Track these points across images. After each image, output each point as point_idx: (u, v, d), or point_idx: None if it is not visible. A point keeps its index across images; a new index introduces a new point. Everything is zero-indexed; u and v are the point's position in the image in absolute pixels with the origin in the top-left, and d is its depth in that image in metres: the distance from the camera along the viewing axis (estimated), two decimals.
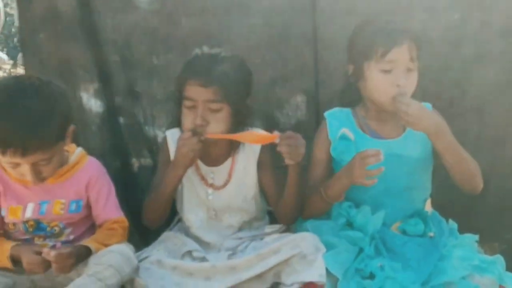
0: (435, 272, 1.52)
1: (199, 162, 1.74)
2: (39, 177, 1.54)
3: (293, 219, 1.74)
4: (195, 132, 1.60)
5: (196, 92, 1.60)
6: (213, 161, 1.76)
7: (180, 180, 1.69)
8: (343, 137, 1.70)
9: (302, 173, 1.65)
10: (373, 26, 1.66)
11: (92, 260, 1.51)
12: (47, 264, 1.50)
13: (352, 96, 1.76)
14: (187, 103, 1.62)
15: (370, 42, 1.62)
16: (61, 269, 1.49)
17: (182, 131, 1.68)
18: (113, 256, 1.49)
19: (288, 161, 1.56)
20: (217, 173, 1.76)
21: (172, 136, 1.77)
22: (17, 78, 1.60)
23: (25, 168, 1.50)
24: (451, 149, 1.60)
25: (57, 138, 1.52)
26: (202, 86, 1.59)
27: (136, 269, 1.55)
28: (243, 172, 1.76)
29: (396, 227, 1.69)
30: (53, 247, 1.61)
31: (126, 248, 1.56)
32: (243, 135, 1.63)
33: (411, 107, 1.54)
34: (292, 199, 1.66)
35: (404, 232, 1.67)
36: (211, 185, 1.75)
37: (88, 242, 1.58)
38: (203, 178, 1.75)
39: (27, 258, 1.51)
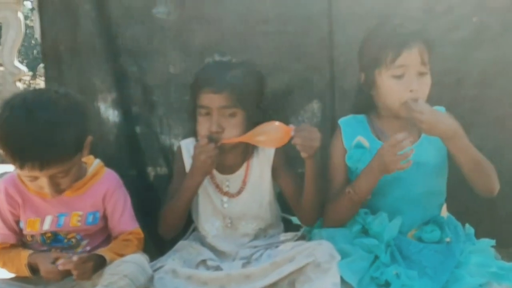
0: (452, 280, 1.49)
1: (214, 171, 1.75)
2: (57, 190, 1.55)
3: (314, 219, 1.74)
4: (211, 139, 1.62)
5: (209, 99, 1.62)
6: (228, 169, 1.77)
7: (197, 188, 1.71)
8: (359, 145, 1.69)
9: (318, 170, 1.65)
10: (382, 32, 1.65)
11: (107, 270, 1.52)
12: (64, 273, 1.51)
13: (366, 103, 1.74)
14: (201, 111, 1.65)
15: (380, 48, 1.61)
16: (82, 275, 1.50)
17: (197, 140, 1.70)
18: (128, 266, 1.50)
19: (303, 154, 1.57)
20: (232, 181, 1.77)
21: (186, 146, 1.79)
22: (35, 91, 1.65)
23: (43, 181, 1.52)
24: (466, 152, 1.58)
25: (75, 150, 1.53)
26: (215, 93, 1.61)
27: (151, 279, 1.56)
28: (257, 178, 1.77)
29: (412, 235, 1.67)
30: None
31: (141, 258, 1.57)
32: (259, 131, 1.63)
33: (424, 114, 1.53)
34: (311, 197, 1.67)
35: (420, 239, 1.65)
36: (226, 193, 1.77)
37: (103, 251, 1.60)
38: (218, 187, 1.77)
39: (45, 267, 1.53)
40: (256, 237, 1.79)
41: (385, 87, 1.63)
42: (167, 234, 1.77)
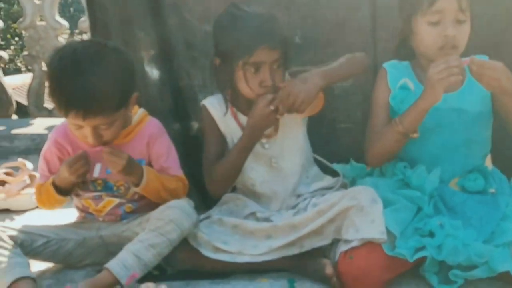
0: (498, 231, 1.49)
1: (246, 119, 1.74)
2: (100, 141, 1.59)
3: None
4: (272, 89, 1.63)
5: (265, 55, 1.61)
6: None
7: (256, 142, 1.71)
8: (404, 87, 1.68)
9: None
10: None
11: (154, 215, 1.57)
12: (87, 160, 1.60)
13: (407, 52, 1.74)
14: (250, 68, 1.63)
15: None
16: (113, 163, 1.57)
17: (225, 97, 1.75)
18: (173, 211, 1.55)
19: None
20: None
21: (212, 105, 1.79)
22: (85, 43, 1.64)
23: (87, 131, 1.56)
24: None
25: (118, 104, 1.56)
26: (271, 49, 1.60)
27: (196, 224, 1.60)
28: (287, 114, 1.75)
29: (454, 183, 1.66)
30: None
31: (186, 204, 1.61)
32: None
33: (497, 70, 1.49)
34: None
35: (463, 188, 1.64)
36: (264, 135, 1.75)
37: (146, 168, 1.65)
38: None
39: (66, 163, 1.59)
40: (300, 177, 1.79)
41: (421, 33, 1.62)
42: (220, 192, 1.78)
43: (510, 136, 1.66)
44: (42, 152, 1.73)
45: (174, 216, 1.53)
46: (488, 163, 1.73)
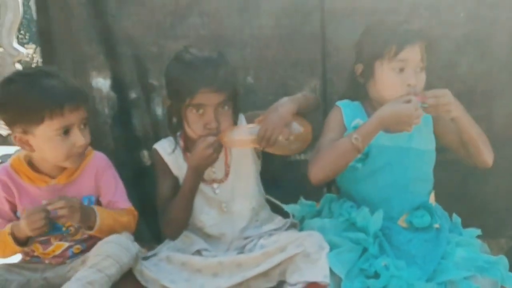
0: (438, 270, 1.54)
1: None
2: (86, 140, 1.62)
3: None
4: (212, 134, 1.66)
5: (208, 98, 1.64)
6: None
7: (199, 184, 1.74)
8: (355, 127, 1.70)
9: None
10: (386, 26, 1.71)
11: (92, 252, 1.55)
12: (49, 223, 1.56)
13: (358, 93, 1.79)
14: (194, 109, 1.66)
15: (383, 40, 1.66)
16: (70, 215, 1.54)
17: (175, 138, 1.79)
18: (110, 246, 1.53)
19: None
20: (217, 167, 1.79)
21: (162, 148, 1.81)
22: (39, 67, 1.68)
23: (76, 133, 1.58)
24: (473, 125, 1.69)
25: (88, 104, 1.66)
26: (214, 91, 1.63)
27: (137, 258, 1.58)
28: (238, 157, 1.80)
29: (403, 220, 1.70)
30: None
31: (123, 238, 1.58)
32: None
33: (453, 104, 1.62)
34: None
35: (411, 223, 1.69)
36: (215, 180, 1.79)
37: (97, 207, 1.64)
38: (204, 177, 1.78)
39: (29, 213, 1.55)
40: (250, 220, 1.81)
41: (384, 80, 1.68)
42: (175, 235, 1.77)
43: (450, 174, 1.72)
44: None
45: (111, 251, 1.51)
46: (432, 199, 1.79)
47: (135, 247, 1.60)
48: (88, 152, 1.73)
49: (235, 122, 1.76)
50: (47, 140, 1.58)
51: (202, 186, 1.78)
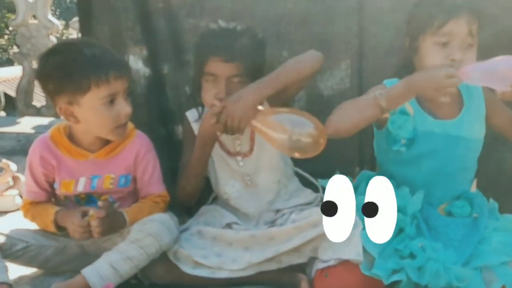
0: (475, 254, 1.50)
1: (224, 135, 1.73)
2: (128, 113, 1.62)
3: None
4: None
5: (218, 67, 1.63)
6: None
7: (210, 152, 1.73)
8: (403, 112, 1.65)
9: None
10: None
11: (135, 227, 1.57)
12: (90, 231, 1.57)
13: (407, 69, 1.68)
14: (208, 78, 1.66)
15: (428, 13, 1.58)
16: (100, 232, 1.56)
17: (197, 107, 1.78)
18: (154, 225, 1.55)
19: None
20: (243, 141, 1.79)
21: (192, 116, 1.82)
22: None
23: (121, 101, 1.59)
24: None
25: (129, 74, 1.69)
26: (225, 61, 1.62)
27: (177, 240, 1.60)
28: None
29: (442, 209, 1.66)
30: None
31: (167, 218, 1.60)
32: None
33: None
34: None
35: (450, 213, 1.65)
36: (239, 153, 1.78)
37: (128, 211, 1.65)
38: (230, 150, 1.79)
39: (71, 225, 1.59)
40: (277, 194, 1.80)
41: (428, 54, 1.60)
42: (186, 202, 1.80)
43: (487, 157, 1.67)
44: (27, 166, 1.71)
45: (154, 230, 1.53)
46: (474, 187, 1.74)
47: (177, 228, 1.62)
48: (130, 131, 1.74)
49: None
50: (93, 109, 1.58)
51: (227, 158, 1.79)
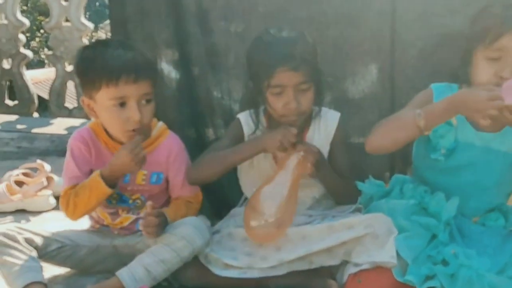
0: (510, 263, 1.47)
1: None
2: (144, 116, 1.62)
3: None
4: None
5: (286, 78, 1.61)
6: None
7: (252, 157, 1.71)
8: (446, 121, 1.59)
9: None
10: (489, 12, 1.54)
11: (168, 229, 1.58)
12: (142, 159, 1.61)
13: (463, 77, 1.63)
14: (274, 90, 1.64)
15: (483, 26, 1.52)
16: (148, 229, 1.56)
17: (256, 112, 1.76)
18: (186, 228, 1.56)
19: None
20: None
21: (245, 119, 1.80)
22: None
23: (132, 106, 1.59)
24: None
25: (156, 77, 1.70)
26: (293, 70, 1.60)
27: (208, 243, 1.60)
28: None
29: (476, 220, 1.64)
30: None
31: (200, 222, 1.62)
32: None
33: None
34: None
35: (483, 225, 1.62)
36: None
37: (167, 211, 1.66)
38: (275, 158, 1.76)
39: (124, 157, 1.58)
40: (311, 207, 1.79)
41: (478, 69, 1.54)
42: (194, 178, 1.74)
43: None
44: (69, 152, 1.72)
45: (187, 233, 1.55)
46: (511, 201, 1.70)
47: (209, 231, 1.63)
48: (163, 130, 1.76)
49: (318, 104, 1.74)
50: (104, 108, 1.63)
51: (272, 166, 1.75)
